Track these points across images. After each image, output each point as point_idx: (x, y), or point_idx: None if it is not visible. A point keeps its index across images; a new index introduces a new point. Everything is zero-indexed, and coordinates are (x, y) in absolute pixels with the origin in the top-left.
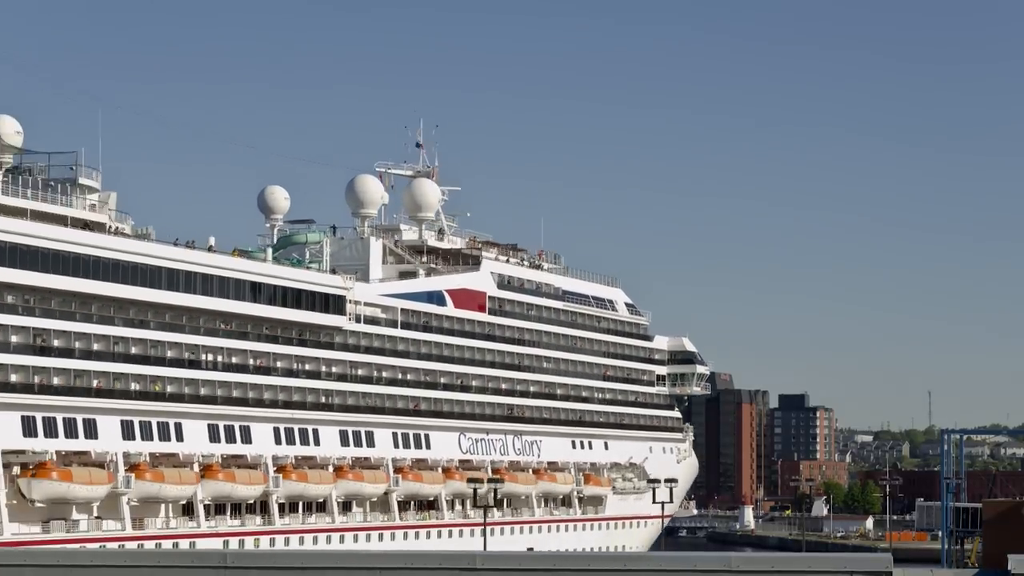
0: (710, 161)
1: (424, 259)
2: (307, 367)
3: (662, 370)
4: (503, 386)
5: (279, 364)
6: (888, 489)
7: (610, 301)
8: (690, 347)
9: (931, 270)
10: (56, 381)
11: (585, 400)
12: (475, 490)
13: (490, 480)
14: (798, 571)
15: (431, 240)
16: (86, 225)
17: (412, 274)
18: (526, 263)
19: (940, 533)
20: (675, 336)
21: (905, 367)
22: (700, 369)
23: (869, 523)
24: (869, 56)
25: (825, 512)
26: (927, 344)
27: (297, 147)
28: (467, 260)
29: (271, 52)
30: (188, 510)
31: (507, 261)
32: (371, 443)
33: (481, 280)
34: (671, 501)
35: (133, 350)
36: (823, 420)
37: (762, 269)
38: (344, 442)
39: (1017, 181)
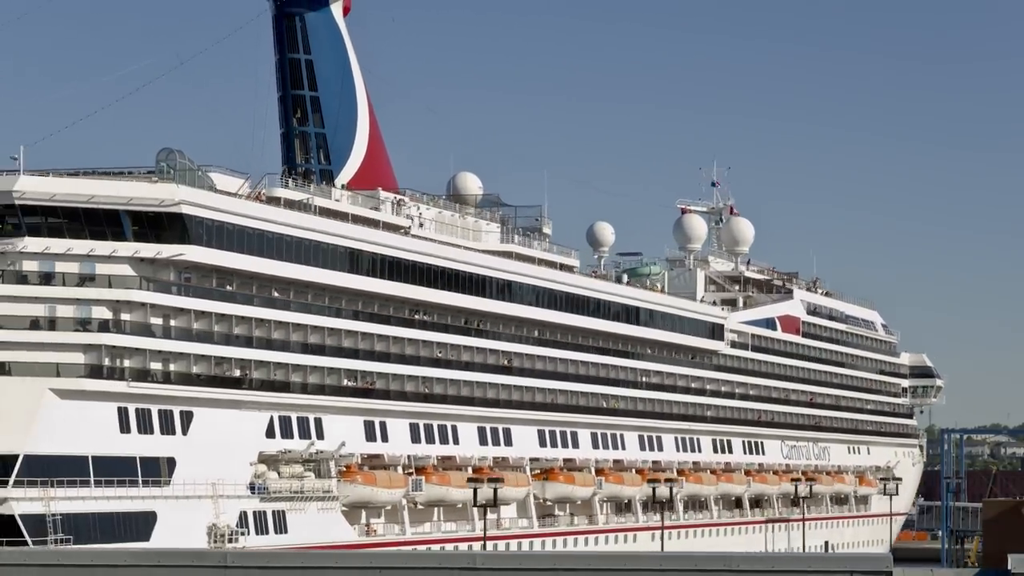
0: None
1: (739, 288)
2: (693, 385)
3: (905, 383)
4: (809, 399)
5: (679, 383)
6: None
7: (871, 322)
8: (928, 362)
9: (931, 269)
10: (561, 401)
11: (858, 411)
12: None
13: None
14: (798, 571)
15: (747, 271)
16: (571, 269)
17: (732, 302)
18: (802, 287)
19: (940, 533)
20: (915, 352)
21: None
22: (938, 382)
23: None
24: None
25: None
26: (927, 344)
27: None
28: (776, 289)
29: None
30: (628, 507)
31: (809, 290)
32: (730, 450)
33: (795, 307)
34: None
35: (600, 373)
36: None
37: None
38: (715, 449)
39: (1016, 180)
